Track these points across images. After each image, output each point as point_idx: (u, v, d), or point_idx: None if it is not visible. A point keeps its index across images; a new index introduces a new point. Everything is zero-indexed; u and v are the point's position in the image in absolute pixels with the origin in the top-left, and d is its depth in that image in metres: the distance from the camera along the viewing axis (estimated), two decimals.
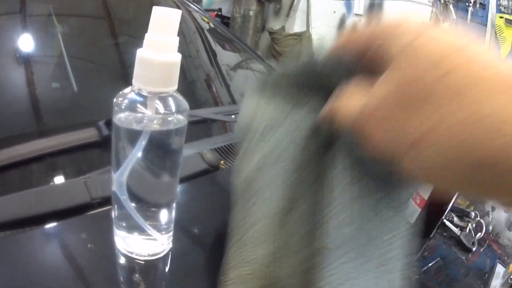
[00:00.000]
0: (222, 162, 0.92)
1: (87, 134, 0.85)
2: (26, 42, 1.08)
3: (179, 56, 0.50)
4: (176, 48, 0.49)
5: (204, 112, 1.16)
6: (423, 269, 0.84)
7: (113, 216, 0.59)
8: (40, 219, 0.63)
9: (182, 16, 1.53)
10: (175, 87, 0.51)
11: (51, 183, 0.75)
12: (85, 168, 0.77)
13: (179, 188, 0.79)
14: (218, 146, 0.98)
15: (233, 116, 1.13)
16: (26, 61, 1.05)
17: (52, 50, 1.14)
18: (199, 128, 1.11)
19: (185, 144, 0.93)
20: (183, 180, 0.82)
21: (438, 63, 0.35)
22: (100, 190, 0.70)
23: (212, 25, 1.82)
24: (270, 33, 5.07)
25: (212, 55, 1.62)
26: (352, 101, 0.44)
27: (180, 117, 0.52)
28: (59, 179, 0.79)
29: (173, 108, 0.51)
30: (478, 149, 0.33)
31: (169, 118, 0.52)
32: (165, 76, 0.49)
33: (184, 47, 1.54)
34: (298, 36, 4.91)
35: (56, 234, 0.63)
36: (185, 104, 0.53)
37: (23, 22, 1.11)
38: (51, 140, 0.83)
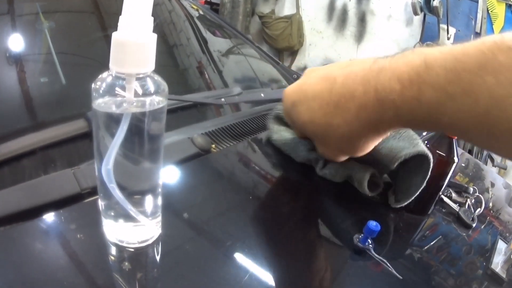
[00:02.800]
0: (213, 145, 0.92)
1: (76, 126, 0.85)
2: (12, 37, 1.07)
3: (154, 36, 0.49)
4: (151, 28, 0.49)
5: (195, 97, 1.16)
6: (425, 248, 0.83)
7: (100, 206, 0.59)
8: (30, 213, 0.63)
9: (172, 5, 1.52)
10: (152, 67, 0.50)
11: (41, 176, 0.75)
12: (76, 160, 0.76)
13: (170, 172, 0.80)
14: (209, 130, 0.98)
15: (223, 99, 1.13)
16: (13, 56, 1.04)
17: (39, 44, 1.13)
18: (190, 113, 1.11)
19: (176, 129, 0.94)
20: (173, 164, 0.82)
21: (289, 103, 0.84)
22: (89, 180, 0.70)
23: (201, 12, 1.81)
24: (260, 17, 5.06)
25: (203, 42, 1.62)
26: None
27: (160, 97, 0.52)
28: (49, 172, 0.79)
29: (152, 89, 0.51)
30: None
31: (149, 100, 0.51)
32: (141, 56, 0.48)
33: (175, 36, 1.54)
34: (288, 19, 4.90)
35: (46, 227, 0.63)
36: (163, 84, 0.52)
37: (10, 17, 1.10)
38: (40, 134, 0.83)
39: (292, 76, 1.59)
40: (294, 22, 4.87)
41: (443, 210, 1.01)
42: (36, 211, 0.63)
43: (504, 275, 0.85)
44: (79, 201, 0.68)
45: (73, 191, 0.69)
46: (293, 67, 4.85)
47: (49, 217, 0.63)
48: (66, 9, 1.31)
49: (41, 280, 0.54)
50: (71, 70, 1.10)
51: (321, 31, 4.89)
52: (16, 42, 1.07)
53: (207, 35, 1.70)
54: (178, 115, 1.07)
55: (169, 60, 1.45)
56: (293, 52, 5.17)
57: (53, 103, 1.02)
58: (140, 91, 0.50)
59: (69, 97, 1.05)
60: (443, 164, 0.90)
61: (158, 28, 1.48)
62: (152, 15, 0.48)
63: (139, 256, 0.60)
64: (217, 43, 1.71)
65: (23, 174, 0.76)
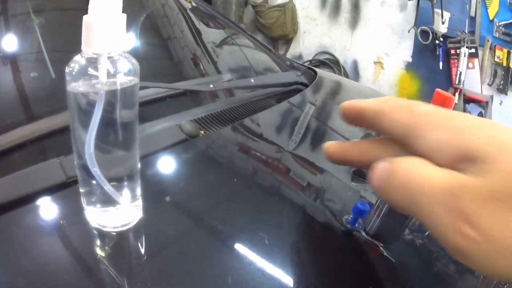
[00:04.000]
0: (201, 132, 0.92)
1: (64, 118, 0.85)
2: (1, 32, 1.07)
3: (123, 16, 0.49)
4: (120, 9, 0.49)
5: (184, 84, 1.16)
6: (426, 233, 0.83)
7: (81, 193, 0.59)
8: (17, 203, 0.63)
9: None
10: (123, 47, 0.51)
11: (28, 167, 0.74)
12: (64, 151, 0.76)
13: (156, 157, 0.79)
14: (198, 117, 0.98)
15: (211, 86, 1.12)
16: (1, 51, 1.04)
17: (28, 38, 1.13)
18: (179, 101, 1.10)
19: (165, 117, 0.94)
20: (161, 151, 0.82)
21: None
22: (75, 169, 0.70)
23: (194, 4, 1.81)
24: (254, 6, 5.05)
25: (197, 34, 1.61)
26: (418, 166, 0.41)
27: (132, 77, 0.52)
28: (37, 163, 0.79)
29: (124, 67, 0.51)
30: None
31: (121, 79, 0.51)
32: (111, 36, 0.48)
33: (168, 29, 1.53)
34: (282, 7, 4.89)
35: (31, 216, 0.63)
36: (135, 63, 0.53)
37: (1, 12, 1.10)
38: (28, 127, 0.83)
39: (285, 63, 1.59)
40: (287, 10, 4.86)
41: None
42: (23, 201, 0.64)
43: None
44: (65, 189, 0.68)
45: (59, 179, 0.69)
46: (288, 55, 4.85)
47: (35, 206, 0.64)
48: (56, 6, 1.31)
49: (25, 267, 0.54)
50: (60, 64, 1.10)
51: (315, 19, 4.88)
52: (5, 37, 1.07)
53: (201, 26, 1.70)
54: (167, 103, 1.06)
55: (164, 52, 1.45)
56: (287, 40, 5.16)
57: (42, 97, 1.02)
58: (112, 70, 0.50)
59: (57, 90, 1.05)
60: None
61: (152, 21, 1.48)
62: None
63: (121, 239, 0.60)
64: (211, 34, 1.70)
65: (12, 166, 0.76)
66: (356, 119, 0.51)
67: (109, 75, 0.50)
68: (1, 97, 0.95)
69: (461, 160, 0.39)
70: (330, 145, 0.53)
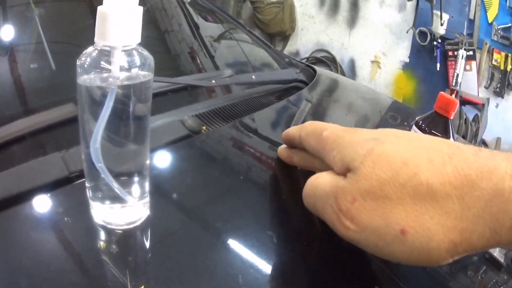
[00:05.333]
0: (204, 127, 0.91)
1: (66, 110, 0.84)
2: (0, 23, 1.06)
3: (140, 9, 0.48)
4: (136, 1, 0.47)
5: (186, 79, 1.15)
6: None
7: (87, 189, 0.58)
8: (18, 198, 0.62)
9: None
10: (138, 40, 0.49)
11: (30, 161, 0.73)
12: (65, 144, 0.75)
13: (159, 154, 0.79)
14: (200, 112, 0.97)
15: (213, 81, 1.11)
16: (1, 42, 1.03)
17: (28, 30, 1.12)
18: (180, 96, 1.10)
19: (166, 112, 0.93)
20: (163, 147, 0.81)
21: (401, 169, 0.49)
22: (78, 164, 0.69)
23: None
24: (252, 2, 5.04)
25: (195, 28, 1.60)
26: (305, 162, 0.66)
27: (146, 71, 0.51)
28: (39, 157, 0.78)
29: (138, 62, 0.50)
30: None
31: (135, 73, 0.50)
32: (126, 29, 0.47)
33: (166, 22, 1.52)
34: (280, 4, 4.88)
35: (33, 211, 0.62)
36: (150, 57, 0.51)
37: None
38: (30, 119, 0.82)
39: (283, 60, 1.58)
40: (286, 7, 4.86)
41: None
42: (25, 196, 0.62)
43: (502, 260, 0.84)
44: (67, 185, 0.67)
45: (61, 174, 0.68)
46: (285, 52, 4.82)
47: (36, 201, 0.63)
48: None
49: (28, 265, 0.53)
50: (60, 56, 1.09)
51: (313, 16, 4.88)
52: (4, 28, 1.06)
53: (199, 20, 1.69)
54: (169, 98, 1.06)
55: (161, 46, 1.44)
56: (285, 37, 5.16)
57: (43, 89, 1.01)
58: (125, 65, 0.49)
59: (59, 82, 1.04)
60: None
61: (150, 14, 1.47)
62: (143, 1, 0.47)
63: (127, 238, 0.59)
64: (209, 29, 1.69)
65: (13, 160, 0.75)
66: (290, 143, 0.72)
67: (123, 69, 0.49)
68: (2, 89, 0.94)
69: (345, 170, 0.53)
70: (280, 150, 0.76)
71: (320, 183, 0.56)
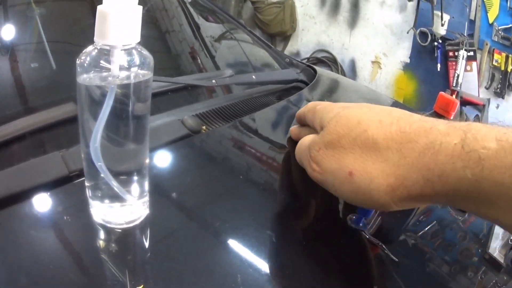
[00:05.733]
0: (204, 127, 0.91)
1: (65, 109, 0.84)
2: (1, 22, 1.06)
3: (139, 8, 0.48)
4: (136, 0, 0.47)
5: (186, 79, 1.15)
6: (419, 233, 0.82)
7: (86, 188, 0.58)
8: (18, 197, 0.62)
9: None
10: (137, 39, 0.50)
11: (29, 160, 0.73)
12: (65, 143, 0.75)
13: (159, 153, 0.79)
14: (200, 112, 0.97)
15: (214, 81, 1.11)
16: (2, 42, 1.03)
17: (29, 29, 1.12)
18: (181, 96, 1.10)
19: (166, 111, 0.93)
20: (163, 146, 0.81)
21: (355, 127, 0.61)
22: (78, 163, 0.69)
23: None
24: (253, 2, 5.04)
25: (195, 28, 1.60)
26: (305, 136, 0.72)
27: (145, 70, 0.51)
28: (39, 156, 0.78)
29: (137, 61, 0.50)
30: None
31: (134, 72, 0.50)
32: (125, 28, 0.47)
33: (167, 22, 1.52)
34: (281, 4, 4.88)
35: (33, 210, 0.62)
36: (149, 57, 0.51)
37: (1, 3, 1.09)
38: (30, 119, 0.82)
39: (284, 60, 1.58)
40: (286, 7, 4.86)
41: None
42: (25, 195, 0.62)
43: (502, 260, 0.84)
44: (67, 183, 0.67)
45: (61, 173, 0.68)
46: (286, 52, 4.82)
47: (36, 200, 0.63)
48: None
49: (28, 263, 0.53)
50: (61, 55, 1.09)
51: (314, 16, 4.88)
52: (5, 28, 1.06)
53: (200, 20, 1.69)
54: (169, 97, 1.06)
55: (162, 46, 1.44)
56: (285, 37, 5.16)
57: (43, 88, 1.01)
58: (125, 64, 0.49)
59: (59, 82, 1.04)
60: None
61: (151, 14, 1.47)
62: (144, 1, 0.47)
63: (127, 237, 0.59)
64: (210, 29, 1.70)
65: (13, 159, 0.75)
66: (300, 121, 0.81)
67: (122, 68, 0.49)
68: (2, 88, 0.94)
69: (320, 130, 0.67)
70: (292, 128, 0.84)
71: (304, 140, 0.70)
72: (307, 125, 0.79)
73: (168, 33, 1.49)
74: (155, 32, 1.46)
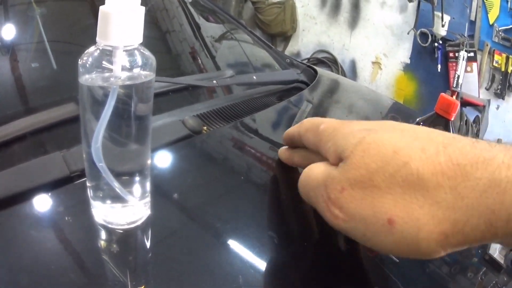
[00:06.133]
0: (205, 127, 0.91)
1: (66, 110, 0.84)
2: (2, 22, 1.06)
3: (142, 9, 0.48)
4: (139, 1, 0.47)
5: (187, 79, 1.15)
6: None
7: (88, 188, 0.58)
8: (19, 197, 0.62)
9: None
10: (140, 40, 0.50)
11: (30, 160, 0.73)
12: (66, 144, 0.75)
13: (160, 153, 0.79)
14: (201, 113, 0.97)
15: (214, 81, 1.11)
16: (3, 42, 1.03)
17: (30, 29, 1.12)
18: (181, 96, 1.10)
19: (167, 112, 0.93)
20: (164, 146, 0.81)
21: (392, 158, 0.48)
22: (79, 163, 0.69)
23: None
24: (253, 2, 5.04)
25: (196, 28, 1.60)
26: (305, 161, 0.63)
27: (147, 71, 0.51)
28: (39, 156, 0.78)
29: (140, 62, 0.50)
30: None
31: (136, 73, 0.50)
32: (127, 28, 0.47)
33: (167, 22, 1.52)
34: (282, 4, 4.88)
35: (33, 210, 0.62)
36: (151, 58, 0.52)
37: (1, 3, 1.09)
38: (31, 119, 0.82)
39: (284, 61, 1.58)
40: (287, 7, 4.86)
41: None
42: (26, 195, 0.62)
43: (502, 261, 0.84)
44: (68, 184, 0.67)
45: (62, 174, 0.68)
46: (286, 53, 4.81)
47: (37, 201, 0.62)
48: None
49: (29, 264, 0.53)
50: (62, 55, 1.09)
51: (315, 17, 4.88)
52: (6, 28, 1.06)
53: (200, 20, 1.69)
54: (170, 98, 1.06)
55: (162, 46, 1.44)
56: (286, 38, 5.16)
57: (44, 88, 1.01)
58: (127, 64, 0.49)
59: (60, 82, 1.04)
60: None
61: (152, 14, 1.47)
62: (144, 1, 0.47)
63: (128, 237, 0.59)
64: (210, 29, 1.70)
65: (14, 159, 0.75)
66: (291, 143, 0.72)
67: (124, 69, 0.49)
68: (3, 88, 0.94)
69: (338, 160, 0.53)
70: (280, 151, 0.76)
71: (313, 173, 0.57)
72: (301, 147, 0.69)
73: (168, 33, 1.49)
74: (156, 32, 1.46)
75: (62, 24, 1.21)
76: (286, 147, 0.75)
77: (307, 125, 0.65)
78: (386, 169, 0.48)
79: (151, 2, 1.50)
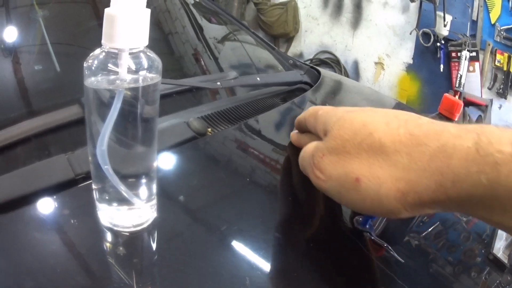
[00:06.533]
0: (209, 129, 0.91)
1: (71, 112, 0.84)
2: (5, 25, 1.06)
3: (147, 11, 0.48)
4: (144, 3, 0.47)
5: (191, 81, 1.15)
6: (422, 234, 0.82)
7: (93, 191, 0.58)
8: (24, 200, 0.62)
9: None
10: (146, 42, 0.50)
11: (35, 163, 0.73)
12: (71, 146, 0.75)
13: (165, 155, 0.79)
14: (206, 114, 0.97)
15: (218, 83, 1.11)
16: (6, 44, 1.03)
17: (33, 32, 1.12)
18: (185, 98, 1.10)
19: (172, 114, 0.93)
20: (169, 148, 0.81)
21: (360, 130, 0.58)
22: (84, 166, 0.69)
23: (197, 0, 1.80)
24: (256, 3, 5.04)
25: (199, 30, 1.60)
26: (308, 142, 0.69)
27: (153, 74, 0.51)
28: (44, 159, 0.78)
29: (145, 64, 0.50)
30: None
31: (142, 75, 0.50)
32: (133, 31, 0.47)
33: (170, 24, 1.52)
34: (284, 5, 4.88)
35: (39, 213, 0.62)
36: (157, 60, 0.52)
37: (4, 6, 1.09)
38: (35, 121, 0.82)
39: (288, 62, 1.58)
40: (289, 8, 4.86)
41: None
42: (31, 198, 0.62)
43: (506, 261, 0.83)
44: (73, 187, 0.67)
45: (67, 176, 0.68)
46: (289, 54, 4.81)
47: (42, 203, 0.63)
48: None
49: (34, 267, 0.53)
50: (65, 58, 1.09)
51: (317, 18, 4.88)
52: (9, 30, 1.06)
53: (203, 22, 1.69)
54: (174, 100, 1.06)
55: (165, 48, 1.44)
56: (288, 39, 5.16)
57: (48, 90, 1.01)
58: (133, 67, 0.49)
59: (64, 84, 1.04)
60: None
61: (154, 16, 1.47)
62: (148, 3, 0.47)
63: (134, 240, 0.59)
64: (213, 30, 1.70)
65: (19, 162, 0.75)
66: (299, 127, 0.79)
67: (130, 71, 0.49)
68: (7, 91, 0.94)
69: (324, 136, 0.64)
70: (292, 134, 0.82)
71: (308, 148, 0.67)
72: (308, 131, 0.76)
73: (171, 35, 1.49)
74: (159, 34, 1.46)
75: (66, 26, 1.21)
76: (297, 131, 0.82)
77: (310, 111, 0.74)
78: (355, 139, 0.58)
79: (154, 4, 1.50)
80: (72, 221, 0.61)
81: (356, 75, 4.72)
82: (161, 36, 1.46)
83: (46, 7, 1.19)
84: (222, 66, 1.53)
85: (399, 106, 1.68)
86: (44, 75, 1.04)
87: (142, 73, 0.50)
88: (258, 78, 1.28)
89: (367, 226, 0.71)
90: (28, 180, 0.66)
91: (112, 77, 0.49)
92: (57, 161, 0.70)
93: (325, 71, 1.59)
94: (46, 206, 0.63)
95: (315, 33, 4.95)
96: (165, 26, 1.51)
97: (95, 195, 0.58)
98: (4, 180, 0.65)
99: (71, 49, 1.14)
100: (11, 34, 1.06)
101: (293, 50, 5.14)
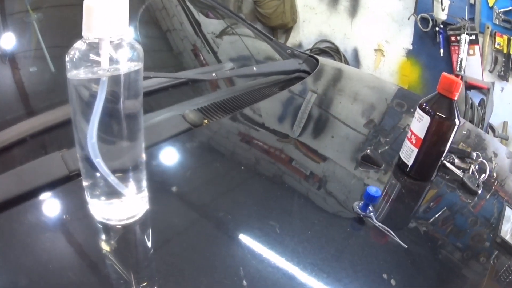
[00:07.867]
0: (205, 120, 0.90)
1: (65, 111, 0.83)
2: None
3: (125, 0, 0.47)
4: None
5: (187, 74, 1.14)
6: (429, 220, 0.81)
7: (84, 187, 0.58)
8: (20, 198, 0.62)
9: None
10: (125, 31, 0.49)
11: (30, 162, 0.73)
12: (65, 144, 0.75)
13: (160, 147, 0.78)
14: (202, 106, 0.97)
15: (214, 74, 1.10)
16: (1, 47, 1.03)
17: (27, 35, 1.12)
18: (182, 91, 1.09)
19: (168, 107, 0.92)
20: (165, 141, 0.81)
21: None
22: (78, 162, 0.68)
23: None
24: None
25: (196, 24, 1.60)
26: None
27: (135, 61, 0.50)
28: (39, 157, 0.78)
29: (127, 52, 0.50)
30: None
31: (124, 63, 0.49)
32: (112, 19, 0.47)
33: (167, 21, 1.52)
34: None
35: (33, 211, 0.62)
36: (139, 47, 0.51)
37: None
38: (30, 121, 0.82)
39: (286, 52, 1.57)
40: (286, 0, 4.86)
41: (447, 177, 0.97)
42: (26, 195, 0.63)
43: None
44: (67, 183, 0.67)
45: (61, 173, 0.68)
46: (288, 44, 4.82)
47: (38, 200, 0.63)
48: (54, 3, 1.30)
49: (30, 262, 0.53)
50: (59, 60, 1.09)
51: (314, 7, 4.87)
52: (4, 33, 1.06)
53: (200, 17, 1.68)
54: (170, 93, 1.05)
55: (165, 43, 1.43)
56: (287, 30, 5.16)
57: (43, 91, 1.02)
58: (114, 55, 0.48)
59: (57, 85, 1.03)
60: (444, 126, 0.87)
61: (151, 13, 1.46)
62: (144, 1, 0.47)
63: (127, 232, 0.59)
64: (211, 25, 1.69)
65: (14, 161, 0.74)
66: None
67: (112, 60, 0.48)
68: (1, 92, 0.93)
69: None
70: None
71: None
72: None
73: (170, 31, 1.49)
74: (157, 30, 1.45)
75: (58, 29, 1.21)
76: None
77: None
78: None
79: (150, 0, 1.50)
80: (66, 216, 0.62)
81: (356, 62, 4.71)
82: (161, 33, 1.46)
83: (40, 11, 1.19)
84: (222, 59, 1.52)
85: (401, 91, 1.67)
86: (39, 77, 1.04)
87: (124, 61, 0.49)
88: (254, 68, 1.27)
89: (367, 212, 0.70)
90: (23, 178, 0.66)
91: (95, 68, 0.48)
92: (52, 158, 0.70)
93: (323, 59, 1.59)
94: (41, 202, 0.63)
95: (313, 22, 4.95)
96: (163, 22, 1.51)
97: (86, 192, 0.58)
98: (1, 179, 0.65)
99: (63, 52, 1.13)
100: (8, 38, 1.06)
101: (292, 40, 5.13)
